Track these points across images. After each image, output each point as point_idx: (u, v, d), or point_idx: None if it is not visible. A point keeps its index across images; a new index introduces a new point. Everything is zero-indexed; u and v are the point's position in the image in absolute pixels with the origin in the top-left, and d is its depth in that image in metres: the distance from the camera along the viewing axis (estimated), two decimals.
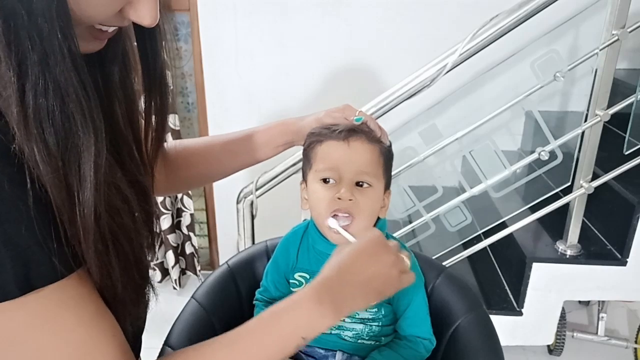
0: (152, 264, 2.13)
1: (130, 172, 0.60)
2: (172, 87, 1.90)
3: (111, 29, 0.51)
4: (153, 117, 0.63)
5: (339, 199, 0.73)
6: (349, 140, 0.76)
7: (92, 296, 0.50)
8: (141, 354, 0.70)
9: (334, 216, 0.74)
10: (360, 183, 0.75)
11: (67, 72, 0.44)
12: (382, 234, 0.62)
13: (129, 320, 0.56)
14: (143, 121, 0.64)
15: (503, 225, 1.58)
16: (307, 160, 0.80)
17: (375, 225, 0.80)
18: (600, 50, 1.31)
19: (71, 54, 0.44)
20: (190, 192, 2.09)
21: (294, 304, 0.57)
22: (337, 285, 0.57)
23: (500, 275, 1.70)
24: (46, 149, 0.44)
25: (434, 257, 1.23)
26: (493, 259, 1.78)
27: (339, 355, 0.80)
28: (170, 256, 2.13)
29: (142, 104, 0.63)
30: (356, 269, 0.58)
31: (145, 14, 0.49)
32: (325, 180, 0.76)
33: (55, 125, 0.44)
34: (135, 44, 0.59)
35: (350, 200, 0.73)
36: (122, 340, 0.53)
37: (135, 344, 0.66)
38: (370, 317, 0.80)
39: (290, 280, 0.84)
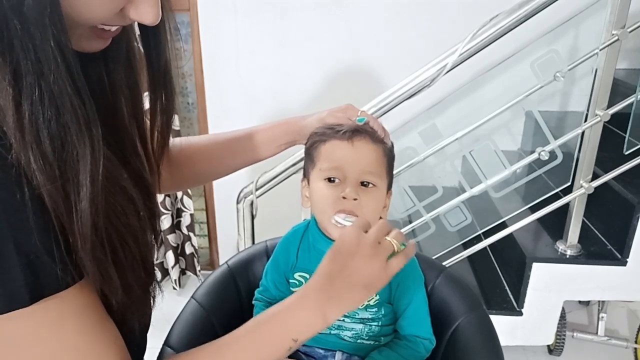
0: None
1: (135, 170, 0.60)
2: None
3: (114, 28, 0.51)
4: (158, 115, 0.63)
5: (344, 198, 0.73)
6: (353, 140, 0.76)
7: (95, 305, 0.51)
8: None
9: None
10: (365, 183, 0.75)
11: (62, 80, 0.43)
12: (357, 229, 0.59)
13: (137, 317, 0.57)
14: (148, 120, 0.64)
15: (503, 225, 1.58)
16: (309, 159, 0.80)
17: None
18: (600, 50, 1.31)
19: (65, 61, 0.43)
20: (190, 192, 2.09)
21: (283, 307, 0.58)
22: (320, 289, 0.57)
23: (500, 275, 1.70)
24: (43, 158, 0.44)
25: (434, 257, 1.23)
26: (493, 259, 1.78)
27: (338, 355, 0.80)
28: (170, 256, 2.13)
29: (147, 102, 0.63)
30: (334, 270, 0.57)
31: (147, 12, 0.49)
32: (329, 180, 0.76)
33: (52, 133, 0.44)
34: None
35: (354, 199, 0.73)
36: (122, 348, 0.53)
37: (142, 341, 0.66)
38: (370, 316, 0.80)
39: (290, 280, 0.84)
